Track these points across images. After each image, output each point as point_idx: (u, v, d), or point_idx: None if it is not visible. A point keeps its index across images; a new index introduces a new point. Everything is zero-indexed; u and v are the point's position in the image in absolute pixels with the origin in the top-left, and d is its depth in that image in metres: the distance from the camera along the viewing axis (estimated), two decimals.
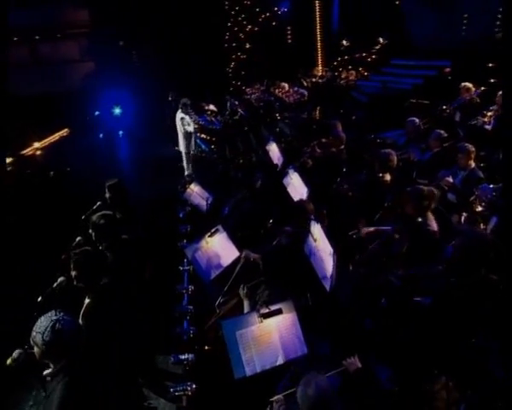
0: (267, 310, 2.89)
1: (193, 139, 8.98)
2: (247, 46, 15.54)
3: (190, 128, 8.62)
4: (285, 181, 4.80)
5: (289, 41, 15.52)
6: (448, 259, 2.69)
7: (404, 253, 3.38)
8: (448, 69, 7.74)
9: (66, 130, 13.98)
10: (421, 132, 6.15)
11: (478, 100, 6.85)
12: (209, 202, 5.85)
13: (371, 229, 3.88)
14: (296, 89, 12.02)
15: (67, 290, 2.68)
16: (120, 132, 14.14)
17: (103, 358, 2.19)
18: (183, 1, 14.44)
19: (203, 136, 12.17)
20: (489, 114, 6.15)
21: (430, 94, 7.41)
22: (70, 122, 13.93)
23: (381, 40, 11.61)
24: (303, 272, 3.33)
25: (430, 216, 3.45)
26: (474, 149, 4.89)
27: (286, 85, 13.33)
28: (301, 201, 4.02)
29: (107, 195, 3.87)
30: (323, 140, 6.32)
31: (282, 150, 6.43)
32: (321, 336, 3.27)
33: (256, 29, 15.10)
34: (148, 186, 8.17)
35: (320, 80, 13.25)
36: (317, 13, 14.37)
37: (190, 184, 5.95)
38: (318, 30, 14.51)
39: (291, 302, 3.00)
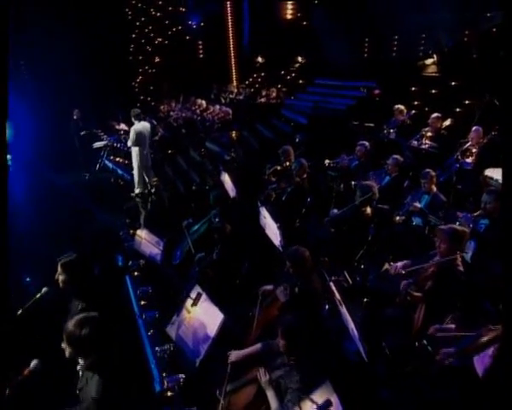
0: (314, 406, 2.31)
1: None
2: (157, 60, 14.50)
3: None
4: (261, 222, 4.24)
5: (201, 56, 14.94)
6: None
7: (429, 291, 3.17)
8: (377, 91, 8.08)
9: None
10: (371, 156, 6.20)
11: (409, 121, 7.24)
12: (162, 248, 4.98)
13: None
14: (219, 107, 11.48)
15: None
16: (9, 157, 11.81)
17: None
18: (78, 6, 12.81)
19: (118, 159, 10.88)
20: (428, 134, 6.47)
21: (364, 114, 7.60)
22: None
23: (299, 59, 11.77)
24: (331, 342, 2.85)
25: (458, 256, 3.29)
26: (434, 173, 5.00)
27: (203, 102, 12.72)
28: (298, 249, 3.51)
29: (62, 277, 2.76)
30: (278, 167, 5.92)
31: (235, 180, 5.84)
32: None
33: (166, 42, 14.17)
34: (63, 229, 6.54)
35: (239, 97, 12.94)
36: (230, 28, 14.09)
37: (135, 230, 5.00)
38: (231, 45, 14.23)
39: (329, 383, 2.48)
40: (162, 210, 6.88)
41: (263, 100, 11.83)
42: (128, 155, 10.49)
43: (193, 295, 3.44)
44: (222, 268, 4.28)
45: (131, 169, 9.74)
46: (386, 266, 4.77)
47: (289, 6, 14.11)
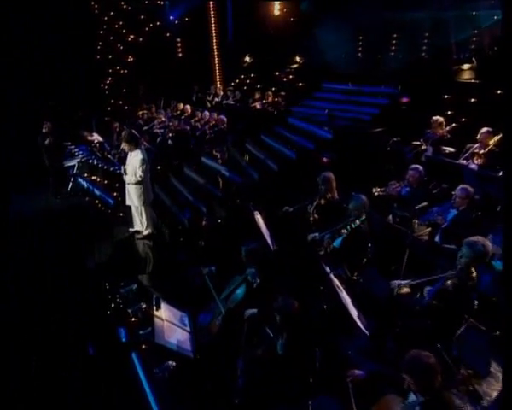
0: None
1: None
2: (130, 59, 12.82)
3: None
4: (343, 301, 3.08)
5: (180, 54, 13.42)
6: None
7: None
8: (406, 99, 7.11)
9: None
10: (424, 181, 5.20)
11: (449, 136, 6.34)
12: (189, 328, 3.71)
13: None
14: (208, 113, 10.09)
15: None
16: None
17: None
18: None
19: (94, 177, 9.27)
20: (481, 152, 5.56)
21: (396, 127, 6.61)
22: None
23: (297, 59, 10.58)
24: None
25: None
26: None
27: (188, 108, 11.29)
28: (419, 356, 2.42)
29: None
30: (322, 201, 4.77)
31: (267, 220, 4.63)
32: None
33: (140, 39, 12.51)
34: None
35: (228, 101, 11.61)
36: (213, 23, 12.69)
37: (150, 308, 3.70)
38: (215, 42, 12.84)
39: None
40: (168, 254, 5.50)
41: (257, 105, 10.58)
42: (107, 173, 8.98)
43: None
44: (290, 363, 3.09)
45: (113, 191, 8.29)
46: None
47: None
